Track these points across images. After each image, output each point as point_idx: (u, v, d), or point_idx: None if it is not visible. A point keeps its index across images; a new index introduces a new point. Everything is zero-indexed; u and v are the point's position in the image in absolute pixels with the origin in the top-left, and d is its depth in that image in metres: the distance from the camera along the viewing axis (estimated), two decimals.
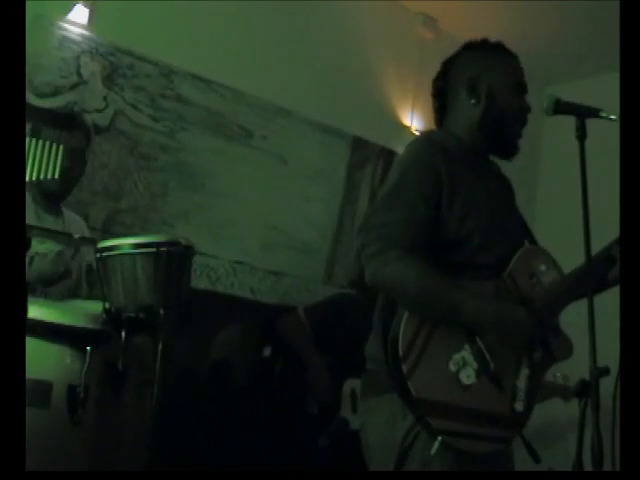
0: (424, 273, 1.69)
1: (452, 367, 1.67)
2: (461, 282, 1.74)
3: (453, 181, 1.77)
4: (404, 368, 1.64)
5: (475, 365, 1.69)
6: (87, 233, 2.85)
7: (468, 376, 1.68)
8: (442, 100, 1.96)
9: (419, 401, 1.63)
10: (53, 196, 2.68)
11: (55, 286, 2.56)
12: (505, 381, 1.72)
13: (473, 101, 1.88)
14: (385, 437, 1.73)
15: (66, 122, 2.48)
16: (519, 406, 1.72)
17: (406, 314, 1.69)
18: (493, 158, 1.99)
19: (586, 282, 1.62)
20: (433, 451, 1.62)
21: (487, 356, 1.70)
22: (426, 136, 1.93)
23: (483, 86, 1.89)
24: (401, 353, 1.65)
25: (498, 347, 1.71)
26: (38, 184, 2.55)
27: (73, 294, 2.65)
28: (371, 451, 1.81)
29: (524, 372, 1.74)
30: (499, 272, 1.80)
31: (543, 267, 1.84)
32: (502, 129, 1.88)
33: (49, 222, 2.63)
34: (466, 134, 1.89)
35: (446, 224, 1.76)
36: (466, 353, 1.69)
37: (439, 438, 1.62)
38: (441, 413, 1.63)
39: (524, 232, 1.97)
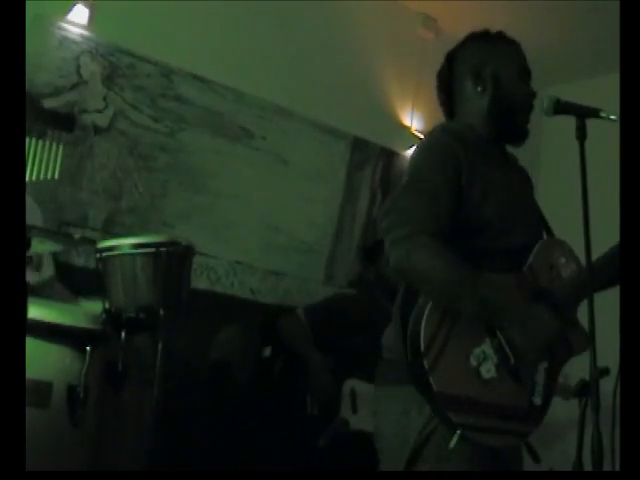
0: (452, 263, 1.67)
1: (473, 361, 1.66)
2: (482, 275, 1.71)
3: (471, 167, 1.77)
4: (426, 363, 1.62)
5: (495, 359, 1.68)
6: (40, 219, 2.77)
7: (488, 370, 1.67)
8: (448, 93, 1.96)
9: (440, 395, 1.62)
10: None
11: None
12: (524, 375, 1.71)
13: (479, 89, 1.89)
14: (399, 428, 1.73)
15: (64, 122, 2.48)
16: (537, 400, 1.71)
17: (428, 307, 1.66)
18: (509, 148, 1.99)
19: (588, 281, 1.61)
20: (452, 444, 1.60)
21: (507, 350, 1.68)
22: (443, 125, 1.92)
23: (488, 73, 1.89)
24: (423, 348, 1.63)
25: (518, 340, 1.70)
26: None
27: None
28: (382, 440, 1.80)
29: (542, 365, 1.74)
30: (519, 260, 1.80)
31: (562, 259, 1.83)
32: (511, 115, 1.88)
33: None
34: (479, 124, 1.89)
35: (465, 209, 1.75)
36: (486, 347, 1.68)
37: (458, 431, 1.60)
38: (461, 407, 1.62)
39: (541, 223, 1.97)
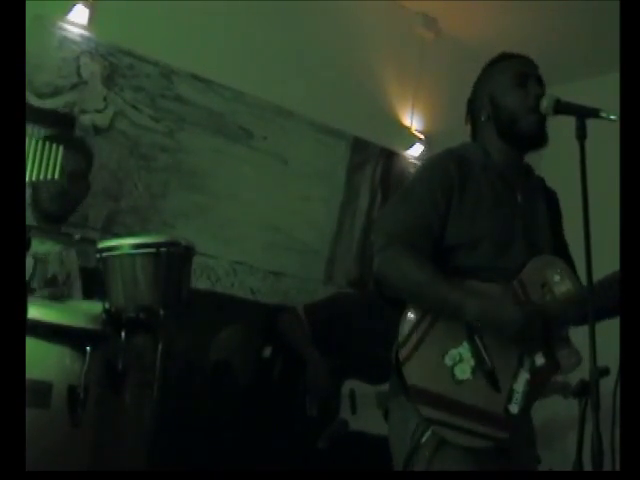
0: (418, 267, 1.77)
1: (448, 361, 1.71)
2: (463, 282, 1.77)
3: (466, 188, 1.84)
4: (400, 355, 1.71)
5: (472, 362, 1.72)
6: (76, 267, 2.69)
7: (463, 371, 1.71)
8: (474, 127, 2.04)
9: (411, 388, 1.69)
10: (52, 218, 2.66)
11: (40, 292, 2.52)
12: (502, 381, 1.73)
13: (483, 118, 1.95)
14: (400, 436, 1.79)
15: (65, 123, 2.47)
16: (514, 408, 1.72)
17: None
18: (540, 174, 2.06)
19: (587, 288, 1.61)
20: (423, 440, 1.67)
21: (484, 355, 1.72)
22: (448, 148, 1.99)
23: (485, 99, 1.95)
24: (400, 340, 1.72)
25: (498, 347, 1.72)
26: (37, 206, 2.57)
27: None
28: (392, 449, 1.85)
29: (524, 376, 1.75)
30: (513, 279, 1.82)
31: (557, 277, 1.83)
32: (515, 125, 1.90)
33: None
34: (494, 149, 1.95)
35: (455, 227, 1.82)
36: (464, 350, 1.73)
37: (431, 428, 1.67)
38: (431, 402, 1.68)
39: (559, 249, 1.97)
